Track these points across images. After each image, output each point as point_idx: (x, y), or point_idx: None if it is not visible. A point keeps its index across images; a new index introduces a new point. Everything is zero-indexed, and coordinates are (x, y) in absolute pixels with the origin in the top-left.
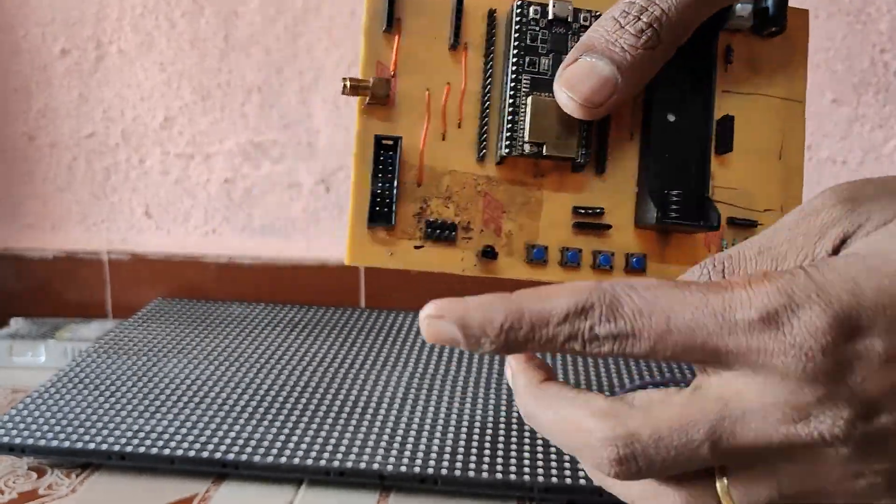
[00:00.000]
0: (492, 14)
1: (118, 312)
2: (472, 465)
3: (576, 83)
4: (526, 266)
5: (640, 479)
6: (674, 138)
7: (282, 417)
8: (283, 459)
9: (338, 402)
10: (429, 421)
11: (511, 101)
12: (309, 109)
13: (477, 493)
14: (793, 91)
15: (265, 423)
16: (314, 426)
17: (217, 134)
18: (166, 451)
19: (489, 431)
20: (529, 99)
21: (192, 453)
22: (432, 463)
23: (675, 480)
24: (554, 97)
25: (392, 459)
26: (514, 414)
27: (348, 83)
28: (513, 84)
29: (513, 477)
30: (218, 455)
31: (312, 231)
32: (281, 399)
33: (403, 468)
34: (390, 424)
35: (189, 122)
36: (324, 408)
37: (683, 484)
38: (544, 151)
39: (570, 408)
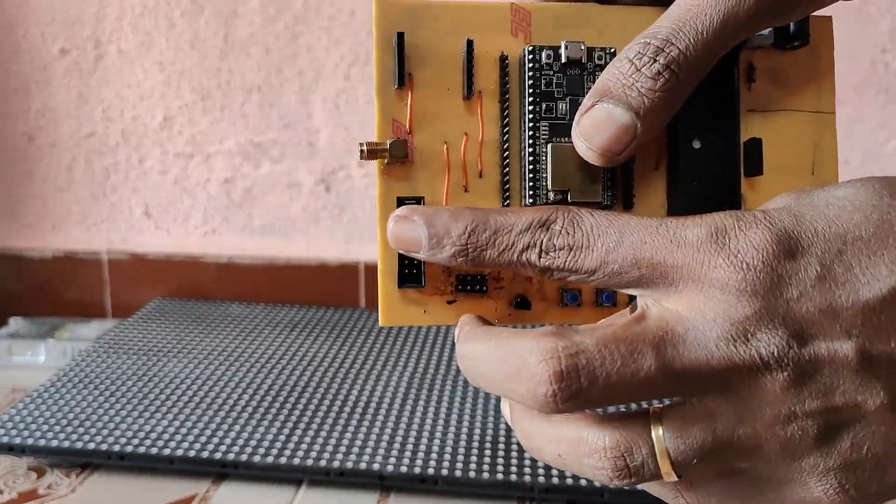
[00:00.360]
0: (504, 59)
1: (118, 312)
2: (473, 466)
3: (593, 133)
4: (560, 309)
5: (575, 408)
6: (701, 165)
7: (281, 417)
8: (283, 460)
9: (337, 403)
10: (429, 421)
11: (531, 149)
12: (309, 109)
13: (477, 494)
14: (822, 103)
15: (265, 423)
16: (314, 426)
17: (217, 134)
18: (166, 451)
19: (489, 432)
20: (549, 147)
21: (191, 453)
22: (432, 463)
23: (609, 421)
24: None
25: (392, 460)
26: None
27: (365, 148)
28: (531, 132)
29: (513, 477)
30: (218, 455)
31: (312, 231)
32: (281, 399)
33: (403, 468)
34: (390, 425)
35: (189, 122)
36: (324, 408)
37: (616, 425)
38: (569, 199)
39: (510, 336)
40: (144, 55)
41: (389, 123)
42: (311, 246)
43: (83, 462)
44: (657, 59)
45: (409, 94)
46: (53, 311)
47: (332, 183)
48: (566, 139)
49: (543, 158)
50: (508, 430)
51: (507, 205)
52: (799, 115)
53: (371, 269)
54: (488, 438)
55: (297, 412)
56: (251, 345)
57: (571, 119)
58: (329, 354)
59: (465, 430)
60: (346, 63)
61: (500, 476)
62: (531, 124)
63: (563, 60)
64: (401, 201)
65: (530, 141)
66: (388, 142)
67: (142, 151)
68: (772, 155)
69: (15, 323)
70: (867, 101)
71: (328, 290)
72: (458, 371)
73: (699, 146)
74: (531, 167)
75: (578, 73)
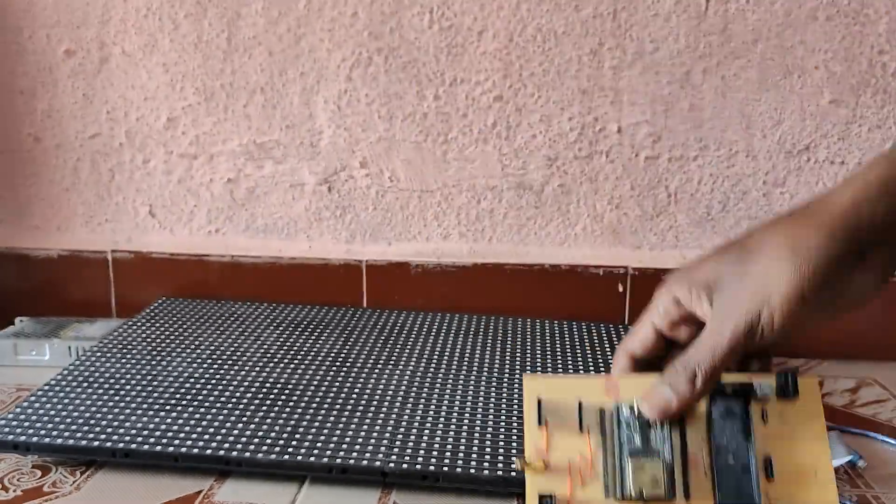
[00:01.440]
0: (602, 411)
1: (122, 311)
2: (473, 462)
3: (647, 399)
4: None
5: None
6: (733, 474)
7: (285, 415)
8: (287, 457)
9: (340, 400)
10: (430, 418)
11: (619, 463)
12: (311, 110)
13: (478, 490)
14: (816, 434)
15: (268, 420)
16: (317, 424)
17: (220, 134)
18: (170, 449)
19: (490, 428)
20: (630, 461)
21: (195, 451)
22: (433, 460)
23: None
24: (644, 462)
25: (394, 456)
26: (515, 411)
27: (522, 465)
28: (618, 452)
29: (513, 474)
30: (221, 452)
31: (315, 230)
32: (284, 397)
33: (405, 465)
34: (392, 422)
35: (192, 123)
36: (326, 405)
37: None
38: (644, 496)
39: None
40: (148, 56)
41: (533, 447)
42: (314, 246)
43: (88, 460)
44: (696, 377)
45: (545, 430)
46: (59, 310)
47: (334, 183)
48: (641, 457)
49: (627, 468)
50: (509, 426)
51: (608, 493)
52: (801, 440)
53: (372, 269)
54: (489, 435)
55: (299, 410)
56: (254, 343)
57: (643, 448)
58: (331, 353)
59: (465, 427)
60: (348, 65)
61: (500, 472)
62: (618, 450)
63: (636, 413)
64: (540, 497)
65: (619, 458)
66: (536, 462)
67: (146, 152)
68: (785, 465)
69: (20, 322)
70: (864, 102)
71: (331, 289)
72: (458, 369)
73: (732, 462)
74: (620, 474)
75: (645, 420)
